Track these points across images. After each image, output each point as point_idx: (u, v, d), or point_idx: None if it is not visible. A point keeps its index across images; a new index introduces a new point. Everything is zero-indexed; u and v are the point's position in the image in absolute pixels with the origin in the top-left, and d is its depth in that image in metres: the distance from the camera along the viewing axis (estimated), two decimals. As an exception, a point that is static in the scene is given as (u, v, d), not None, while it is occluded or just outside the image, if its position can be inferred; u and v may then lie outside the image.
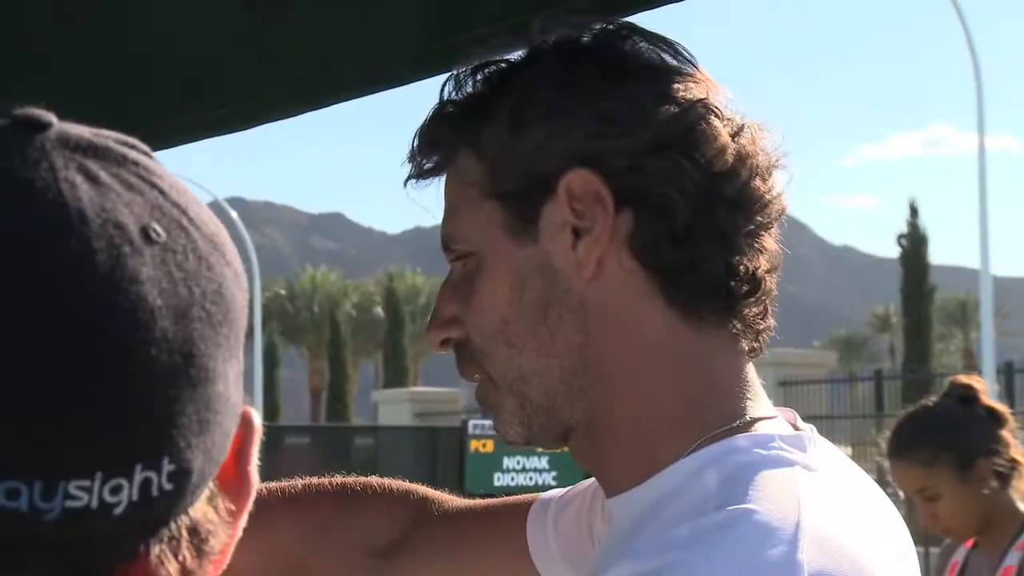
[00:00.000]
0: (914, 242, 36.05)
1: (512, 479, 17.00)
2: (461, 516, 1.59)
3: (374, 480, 1.62)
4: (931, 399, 3.38)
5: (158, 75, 1.84)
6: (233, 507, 0.67)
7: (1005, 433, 3.15)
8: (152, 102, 1.84)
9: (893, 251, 40.62)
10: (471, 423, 17.06)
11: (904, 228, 36.75)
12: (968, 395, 3.20)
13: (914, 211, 36.46)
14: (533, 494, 1.54)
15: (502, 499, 1.61)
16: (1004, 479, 3.12)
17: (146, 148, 0.66)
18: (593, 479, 1.36)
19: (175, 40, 1.80)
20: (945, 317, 66.36)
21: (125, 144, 0.64)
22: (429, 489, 1.64)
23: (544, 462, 17.44)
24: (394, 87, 1.68)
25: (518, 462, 17.26)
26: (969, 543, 3.22)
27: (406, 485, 1.64)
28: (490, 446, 16.84)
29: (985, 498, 3.06)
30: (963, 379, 3.32)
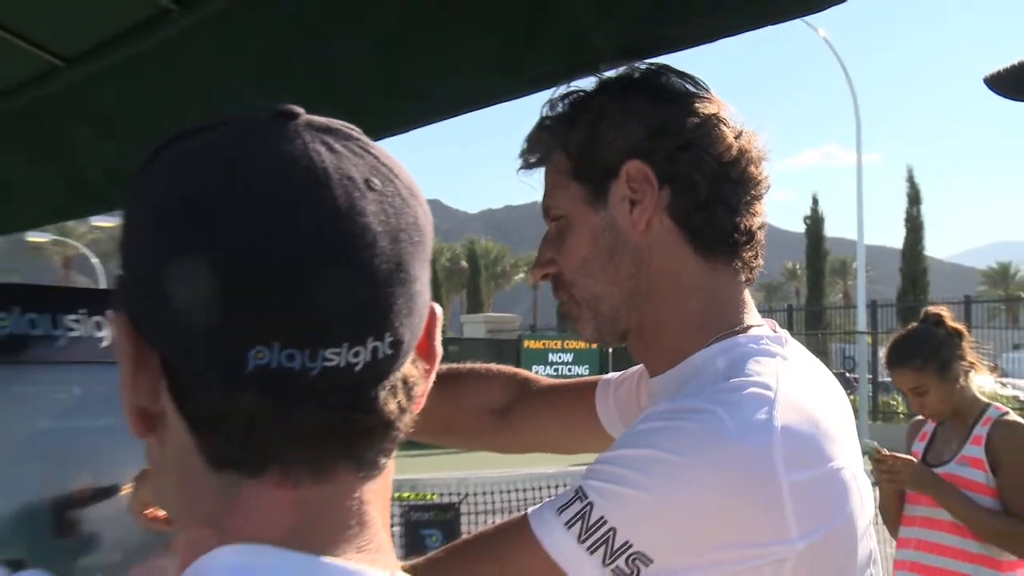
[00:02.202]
0: (815, 221, 36.68)
1: (556, 371, 17.73)
2: (551, 389, 1.57)
3: (492, 365, 1.63)
4: (913, 324, 3.25)
5: (321, 104, 1.81)
6: (427, 367, 0.66)
7: (965, 344, 3.07)
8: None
9: (801, 228, 41.36)
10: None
11: (808, 212, 37.28)
12: (939, 320, 3.11)
13: (816, 201, 37.09)
14: (598, 376, 1.54)
15: (576, 379, 1.59)
16: (965, 376, 3.06)
17: (360, 131, 0.64)
18: (638, 367, 1.39)
19: (335, 79, 1.77)
20: (833, 271, 65.69)
21: (346, 126, 0.63)
22: (529, 372, 1.64)
23: (570, 357, 18.09)
24: (479, 109, 1.67)
25: (559, 357, 17.97)
26: (933, 422, 3.13)
27: (513, 369, 1.65)
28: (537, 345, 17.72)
29: (957, 391, 3.01)
30: (934, 309, 3.20)
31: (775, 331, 1.19)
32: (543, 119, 1.24)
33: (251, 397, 0.58)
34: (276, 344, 0.56)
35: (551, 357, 18.41)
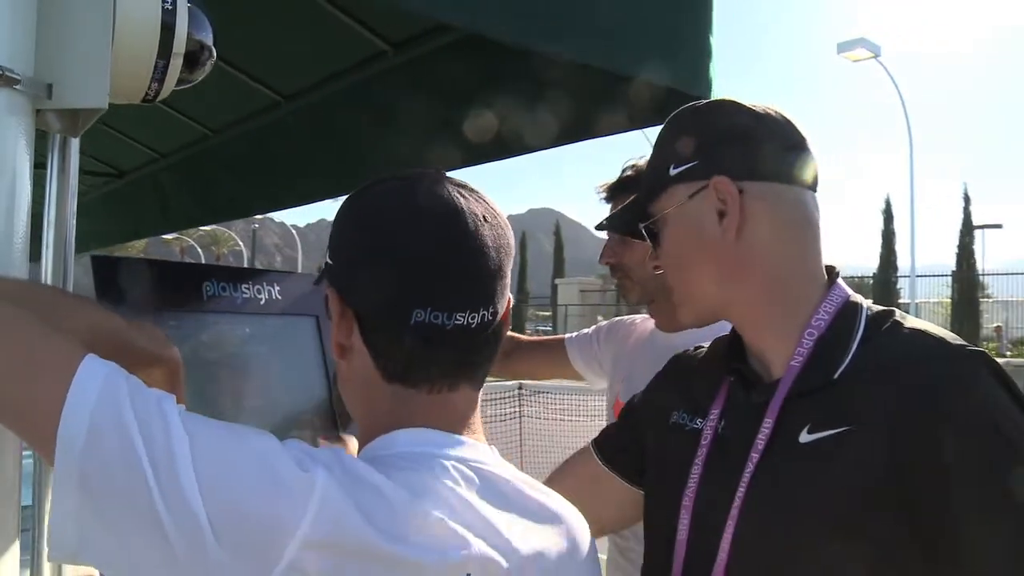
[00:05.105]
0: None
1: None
2: (536, 343, 1.53)
3: None
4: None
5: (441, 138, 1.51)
6: (505, 328, 0.62)
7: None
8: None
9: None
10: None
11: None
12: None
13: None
14: (561, 336, 1.48)
15: (549, 337, 1.53)
16: None
17: (477, 187, 0.62)
18: (595, 327, 1.36)
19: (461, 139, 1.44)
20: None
21: (470, 184, 0.61)
22: (516, 333, 1.56)
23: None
24: (560, 146, 1.37)
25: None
26: None
27: (511, 334, 1.54)
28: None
29: None
30: None
31: None
32: (620, 175, 1.18)
33: (410, 339, 0.57)
34: (428, 308, 0.56)
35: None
